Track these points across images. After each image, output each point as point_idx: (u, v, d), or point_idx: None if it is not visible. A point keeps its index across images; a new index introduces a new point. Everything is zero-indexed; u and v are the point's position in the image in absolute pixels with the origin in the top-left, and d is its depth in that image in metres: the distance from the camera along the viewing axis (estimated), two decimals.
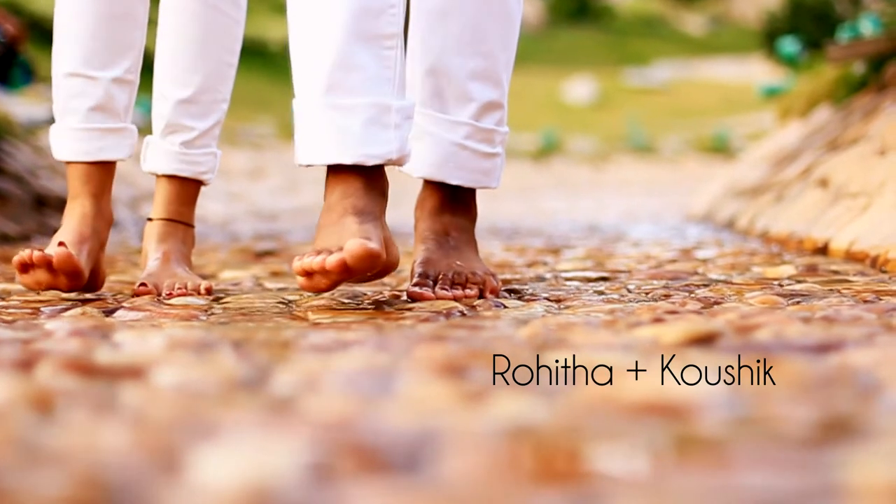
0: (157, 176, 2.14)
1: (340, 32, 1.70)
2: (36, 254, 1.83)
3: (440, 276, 1.86)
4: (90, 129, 1.97)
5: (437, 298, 1.79)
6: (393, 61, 1.73)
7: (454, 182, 1.95)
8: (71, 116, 1.97)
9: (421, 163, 1.94)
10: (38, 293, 1.97)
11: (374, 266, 1.62)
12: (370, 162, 1.70)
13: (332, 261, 1.60)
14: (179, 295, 1.93)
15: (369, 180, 1.72)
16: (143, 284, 1.97)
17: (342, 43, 1.70)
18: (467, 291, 1.82)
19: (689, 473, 0.69)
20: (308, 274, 1.63)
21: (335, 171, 1.73)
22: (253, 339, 1.35)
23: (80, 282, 1.87)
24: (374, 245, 1.60)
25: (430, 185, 1.98)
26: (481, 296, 1.84)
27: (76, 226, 1.94)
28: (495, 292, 1.86)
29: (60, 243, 1.86)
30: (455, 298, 1.79)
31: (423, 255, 1.91)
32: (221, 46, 2.13)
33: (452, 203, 1.97)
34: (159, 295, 1.96)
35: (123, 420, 0.86)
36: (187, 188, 2.13)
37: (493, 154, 1.97)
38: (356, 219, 1.68)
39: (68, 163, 1.98)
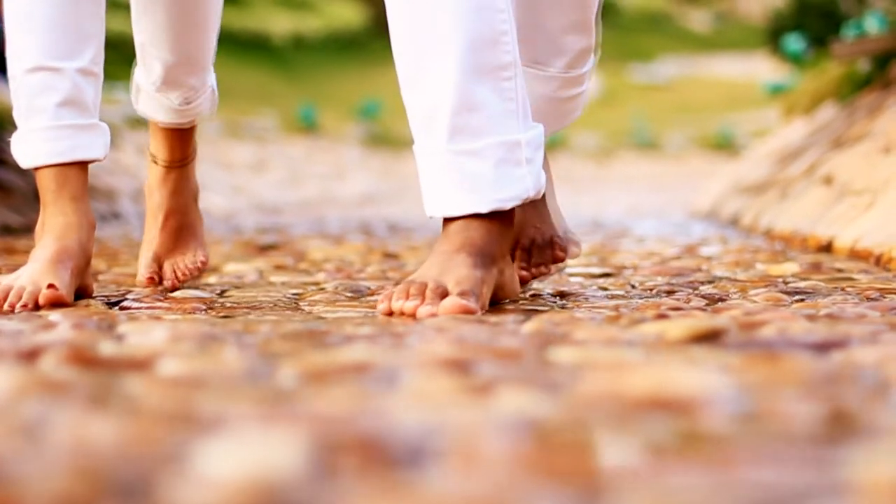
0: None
1: (457, 70, 1.58)
2: (17, 307, 1.64)
3: (519, 249, 1.79)
4: (61, 126, 1.77)
5: (527, 279, 1.75)
6: (513, 91, 1.61)
7: (547, 133, 1.78)
8: (38, 116, 1.76)
9: None
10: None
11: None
12: (507, 206, 1.61)
13: (423, 313, 1.51)
14: (184, 280, 1.97)
15: (491, 216, 1.62)
16: (150, 278, 1.99)
17: (461, 82, 1.58)
18: (542, 269, 1.79)
19: (692, 469, 0.68)
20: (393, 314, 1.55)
21: None
22: (256, 332, 1.35)
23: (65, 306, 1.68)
24: (472, 305, 1.52)
25: None
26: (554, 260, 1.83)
27: (59, 238, 1.75)
28: (561, 259, 1.81)
29: (51, 285, 1.67)
30: (534, 277, 1.77)
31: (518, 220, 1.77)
32: (209, 7, 2.00)
33: None
34: (161, 282, 1.99)
35: (125, 412, 0.86)
36: (188, 129, 2.06)
37: (582, 92, 1.87)
38: (470, 260, 1.58)
39: (37, 169, 1.78)
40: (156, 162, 2.05)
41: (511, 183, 1.61)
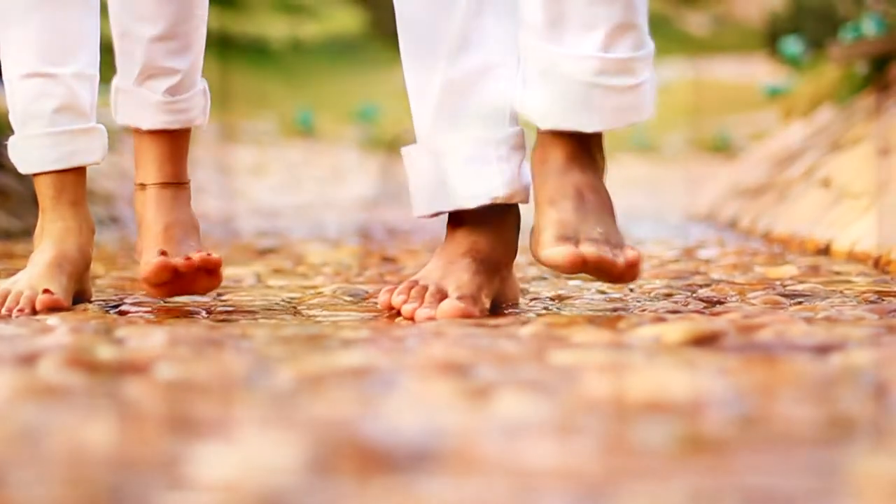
0: (140, 131, 1.81)
1: (441, 71, 1.61)
2: (14, 312, 1.64)
3: (581, 236, 1.52)
4: (57, 132, 1.76)
5: (586, 260, 1.48)
6: (499, 92, 1.60)
7: (591, 129, 1.56)
8: (34, 122, 1.75)
9: (546, 110, 1.56)
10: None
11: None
12: (472, 204, 1.58)
13: (421, 315, 1.51)
14: (199, 265, 1.72)
15: (497, 223, 1.62)
16: (163, 251, 1.73)
17: (442, 82, 1.61)
18: (617, 259, 1.54)
19: (691, 472, 0.68)
20: (392, 308, 1.56)
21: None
22: (254, 336, 1.35)
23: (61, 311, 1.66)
24: (470, 308, 1.52)
25: (552, 134, 1.57)
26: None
27: (57, 242, 1.75)
28: (636, 259, 1.54)
29: (46, 290, 1.67)
30: (601, 260, 1.49)
31: (554, 216, 1.53)
32: None
33: (581, 156, 1.58)
34: (175, 269, 1.72)
35: (123, 416, 0.86)
36: (179, 140, 1.83)
37: (637, 85, 1.57)
38: (473, 265, 1.58)
39: (35, 175, 1.78)
40: (144, 186, 1.82)
41: (480, 180, 1.59)
